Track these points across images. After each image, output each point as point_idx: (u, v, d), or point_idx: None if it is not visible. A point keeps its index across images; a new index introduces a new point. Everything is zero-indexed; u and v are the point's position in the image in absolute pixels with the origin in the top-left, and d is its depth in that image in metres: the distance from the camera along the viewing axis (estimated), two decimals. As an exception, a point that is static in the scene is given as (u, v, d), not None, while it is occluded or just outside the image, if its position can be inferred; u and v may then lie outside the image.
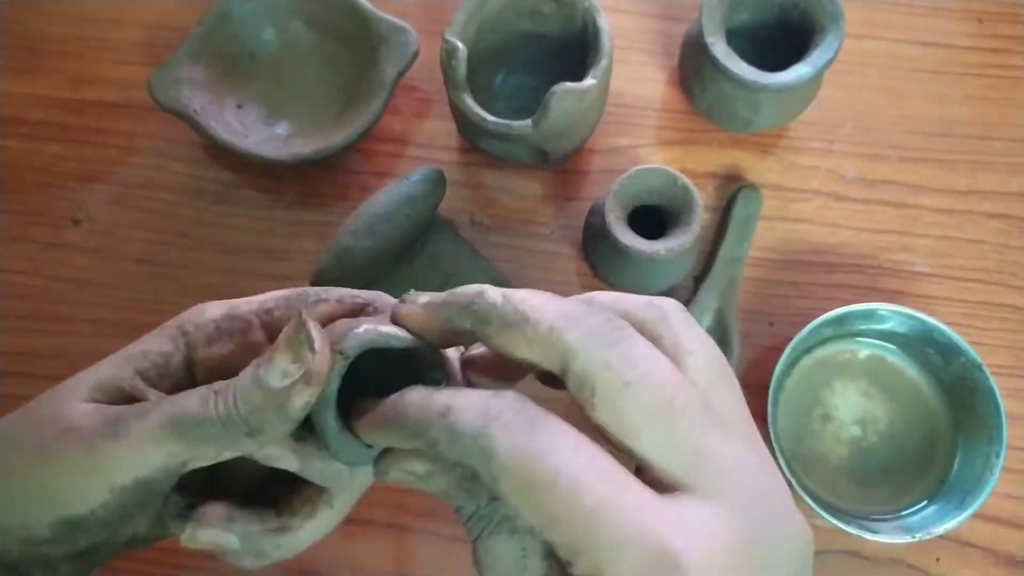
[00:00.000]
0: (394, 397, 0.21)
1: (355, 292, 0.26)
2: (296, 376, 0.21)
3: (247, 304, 0.25)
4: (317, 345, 0.21)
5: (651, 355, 0.19)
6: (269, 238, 0.49)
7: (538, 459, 0.18)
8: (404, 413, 0.21)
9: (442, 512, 0.44)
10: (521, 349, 0.20)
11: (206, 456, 0.22)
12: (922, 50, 0.52)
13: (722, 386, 0.21)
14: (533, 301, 0.20)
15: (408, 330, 0.23)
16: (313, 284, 0.42)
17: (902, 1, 0.53)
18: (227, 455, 0.22)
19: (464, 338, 0.22)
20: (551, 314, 0.20)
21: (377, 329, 0.22)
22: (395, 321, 0.23)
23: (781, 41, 0.46)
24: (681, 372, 0.20)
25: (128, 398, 0.23)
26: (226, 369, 0.24)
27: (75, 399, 0.23)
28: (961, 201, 0.49)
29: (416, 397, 0.21)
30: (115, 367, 0.24)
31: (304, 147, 0.46)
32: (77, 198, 0.50)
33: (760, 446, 0.20)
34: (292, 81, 0.50)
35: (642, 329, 0.21)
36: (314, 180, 0.50)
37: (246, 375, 0.22)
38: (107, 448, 0.22)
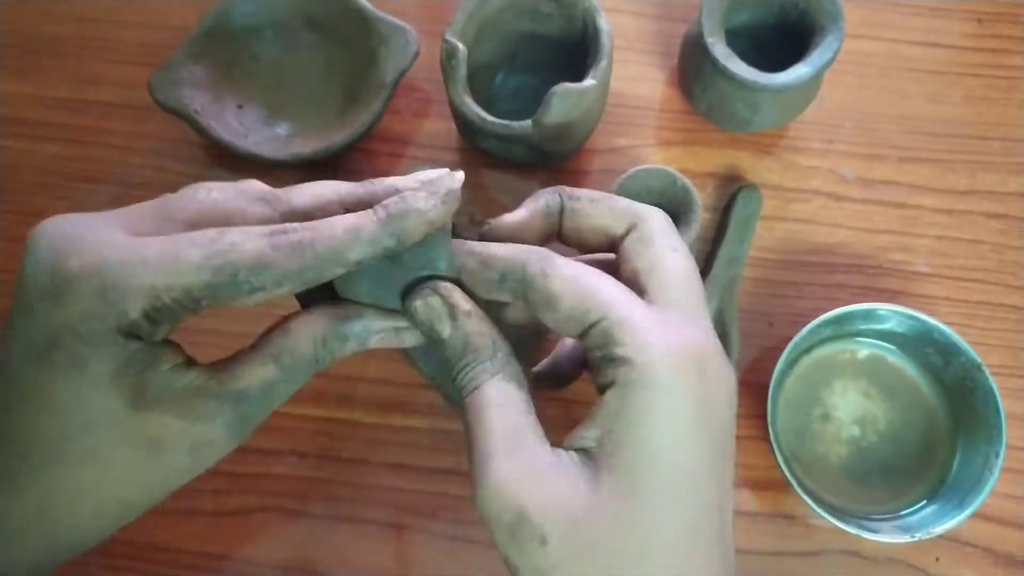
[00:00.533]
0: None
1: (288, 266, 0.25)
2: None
3: (168, 292, 0.24)
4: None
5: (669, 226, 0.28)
6: (269, 238, 0.49)
7: (584, 267, 0.26)
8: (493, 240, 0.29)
9: (442, 512, 0.45)
10: (604, 217, 0.28)
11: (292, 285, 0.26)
12: (922, 50, 0.52)
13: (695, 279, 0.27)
14: (611, 196, 0.28)
15: (501, 238, 0.29)
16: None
17: (902, 1, 0.53)
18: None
19: (550, 226, 0.29)
20: (623, 199, 0.28)
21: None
22: (487, 236, 0.31)
23: (781, 41, 0.46)
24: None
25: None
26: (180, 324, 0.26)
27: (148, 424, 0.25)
28: (961, 201, 0.49)
29: (500, 251, 0.28)
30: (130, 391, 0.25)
31: (304, 147, 0.46)
32: (77, 198, 0.50)
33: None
34: (292, 81, 0.50)
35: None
36: (314, 180, 0.50)
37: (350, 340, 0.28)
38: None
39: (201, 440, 0.26)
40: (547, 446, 0.24)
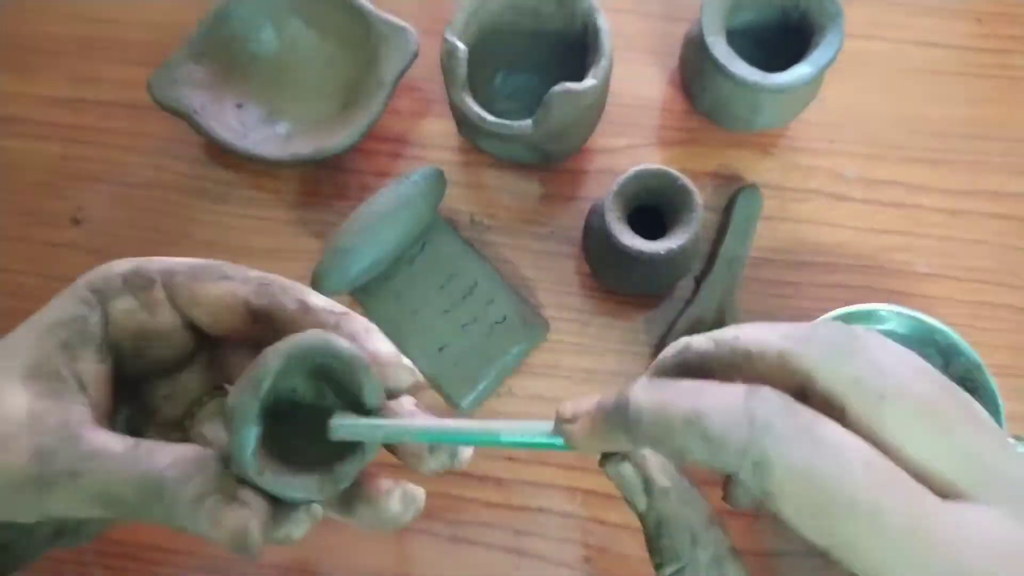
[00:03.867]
0: (605, 401, 0.19)
1: (264, 277, 0.25)
2: (226, 542, 0.21)
3: (156, 263, 0.25)
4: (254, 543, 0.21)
5: (898, 361, 0.18)
6: (269, 238, 0.49)
7: (829, 480, 0.16)
8: (638, 420, 0.18)
9: (442, 512, 0.45)
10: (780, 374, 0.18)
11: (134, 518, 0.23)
12: (923, 50, 0.52)
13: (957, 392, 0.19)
14: (748, 333, 0.19)
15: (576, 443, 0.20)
16: (313, 284, 0.43)
17: (903, 1, 0.53)
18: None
19: None
20: (774, 339, 0.19)
21: (326, 335, 0.21)
22: (565, 433, 0.20)
23: (781, 41, 0.46)
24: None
25: (61, 378, 0.23)
26: (132, 324, 0.25)
27: (11, 387, 0.22)
28: (962, 201, 0.49)
29: (643, 401, 0.18)
30: (38, 346, 0.23)
31: (304, 147, 0.46)
32: (77, 198, 0.50)
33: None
34: (292, 81, 0.50)
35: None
36: (314, 180, 0.50)
37: (187, 494, 0.21)
38: (35, 493, 0.21)
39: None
40: None
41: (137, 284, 0.25)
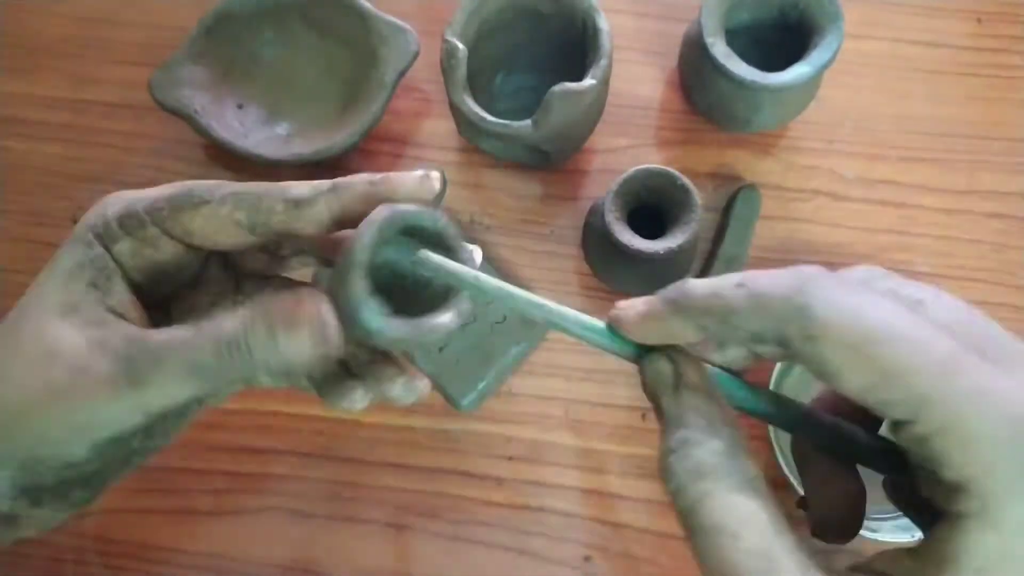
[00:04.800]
0: (660, 292, 0.21)
1: (238, 188, 0.26)
2: (310, 355, 0.23)
3: (140, 201, 0.26)
4: (334, 341, 0.22)
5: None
6: (269, 238, 0.49)
7: (868, 310, 0.17)
8: (690, 292, 0.20)
9: (442, 512, 0.45)
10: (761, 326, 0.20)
11: (229, 390, 0.27)
12: (921, 50, 0.52)
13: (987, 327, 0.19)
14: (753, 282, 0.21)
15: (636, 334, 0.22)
16: (315, 284, 0.43)
17: (902, 1, 0.53)
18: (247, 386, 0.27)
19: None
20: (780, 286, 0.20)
21: (410, 207, 0.24)
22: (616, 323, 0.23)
23: (780, 41, 0.46)
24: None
25: (97, 312, 0.25)
26: (142, 263, 0.26)
27: (55, 326, 0.24)
28: (960, 201, 0.49)
29: (696, 281, 0.20)
30: (67, 290, 0.25)
31: (304, 147, 0.46)
32: (77, 198, 0.50)
33: None
34: (292, 81, 0.50)
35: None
36: (314, 180, 0.50)
37: (259, 331, 0.23)
38: (130, 393, 0.23)
39: (85, 365, 0.23)
40: None
41: (131, 226, 0.25)
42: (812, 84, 0.46)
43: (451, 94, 0.43)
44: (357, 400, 0.28)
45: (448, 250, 0.24)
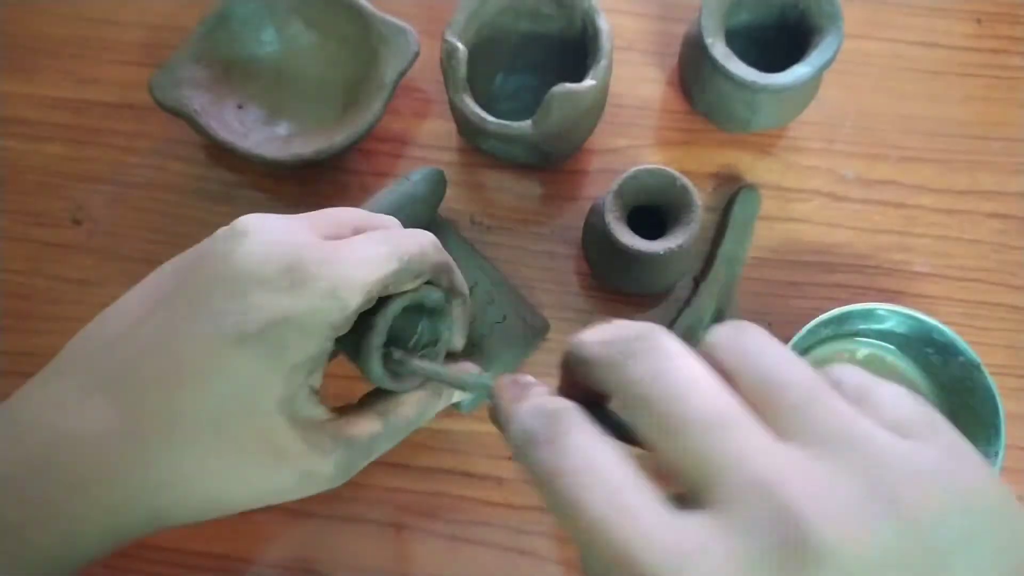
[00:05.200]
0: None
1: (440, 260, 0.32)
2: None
3: (376, 285, 0.28)
4: None
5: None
6: (269, 238, 0.49)
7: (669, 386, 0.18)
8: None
9: (442, 512, 0.45)
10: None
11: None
12: (921, 50, 0.52)
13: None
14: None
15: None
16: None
17: (901, 1, 0.53)
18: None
19: None
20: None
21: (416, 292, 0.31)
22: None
23: (780, 41, 0.46)
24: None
25: (306, 407, 0.28)
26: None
27: (275, 422, 0.26)
28: (960, 201, 0.49)
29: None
30: (287, 382, 0.27)
31: (305, 147, 0.46)
32: (77, 198, 0.50)
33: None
34: (292, 81, 0.50)
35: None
36: (314, 180, 0.50)
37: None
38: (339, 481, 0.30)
39: (312, 470, 0.27)
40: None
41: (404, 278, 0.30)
42: (812, 84, 0.46)
43: (451, 94, 0.43)
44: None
45: (440, 313, 0.33)
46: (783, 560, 0.15)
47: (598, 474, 0.17)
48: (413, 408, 0.31)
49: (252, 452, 0.26)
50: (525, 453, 0.19)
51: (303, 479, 0.27)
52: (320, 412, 0.28)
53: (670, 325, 0.46)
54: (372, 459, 0.30)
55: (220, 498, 0.27)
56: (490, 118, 0.42)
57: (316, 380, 0.28)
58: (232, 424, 0.26)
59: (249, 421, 0.26)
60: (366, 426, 0.29)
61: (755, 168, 0.50)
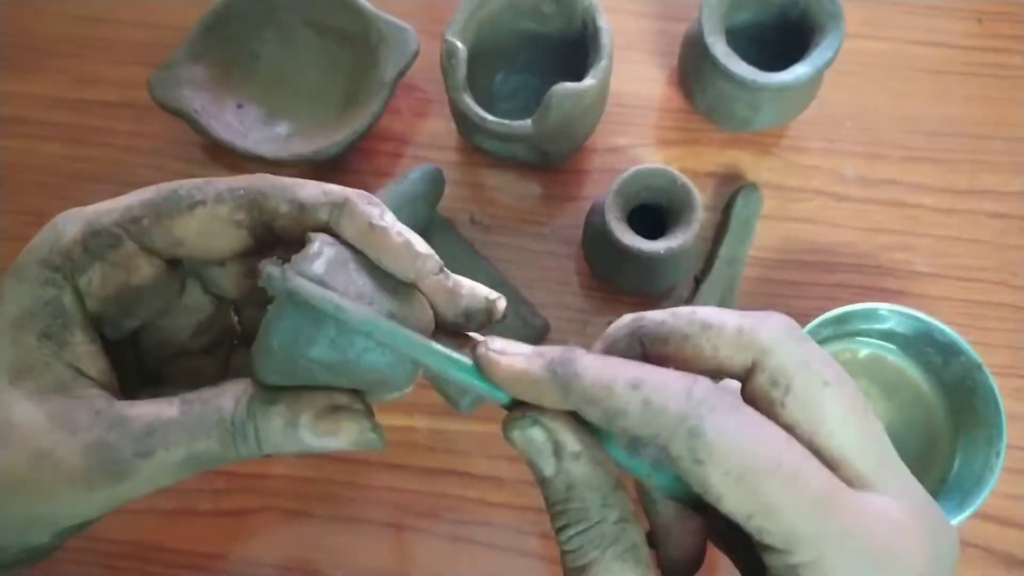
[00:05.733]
0: (548, 351, 0.20)
1: (235, 183, 0.22)
2: (336, 441, 0.21)
3: (107, 214, 0.22)
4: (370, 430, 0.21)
5: (832, 359, 0.20)
6: (269, 238, 0.49)
7: (754, 443, 0.18)
8: (579, 374, 0.19)
9: (442, 512, 0.45)
10: (704, 357, 0.20)
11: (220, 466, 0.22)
12: (922, 50, 0.52)
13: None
14: (705, 312, 0.20)
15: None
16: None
17: (902, 1, 0.53)
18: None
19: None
20: (732, 317, 0.20)
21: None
22: (487, 367, 0.20)
23: (781, 41, 0.46)
24: None
25: (54, 372, 0.21)
26: (112, 292, 0.22)
27: (7, 397, 0.20)
28: (961, 200, 0.49)
29: (589, 360, 0.19)
30: (14, 343, 0.21)
31: (304, 147, 0.46)
32: (77, 198, 0.49)
33: None
34: (292, 81, 0.50)
35: None
36: (314, 180, 0.50)
37: (277, 426, 0.21)
38: (107, 487, 0.20)
39: (48, 449, 0.20)
40: None
41: (100, 246, 0.22)
42: (813, 84, 0.46)
43: (451, 94, 0.43)
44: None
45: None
46: None
47: (802, 448, 0.18)
48: (230, 400, 0.21)
49: None
50: (697, 418, 0.18)
51: (36, 461, 0.20)
52: (83, 386, 0.21)
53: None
54: (171, 459, 0.20)
55: None
56: (490, 117, 0.42)
57: (76, 351, 0.21)
58: None
59: None
60: (150, 409, 0.21)
61: (756, 167, 0.50)
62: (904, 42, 0.52)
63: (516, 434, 0.20)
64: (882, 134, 0.51)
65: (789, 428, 0.19)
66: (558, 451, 0.20)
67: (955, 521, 0.39)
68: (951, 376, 0.43)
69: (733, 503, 0.18)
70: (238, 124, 0.48)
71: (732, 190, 0.49)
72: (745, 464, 0.18)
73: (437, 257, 0.22)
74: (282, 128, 0.49)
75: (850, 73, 0.51)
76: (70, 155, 0.51)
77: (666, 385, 0.18)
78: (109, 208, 0.22)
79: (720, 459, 0.18)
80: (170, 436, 0.20)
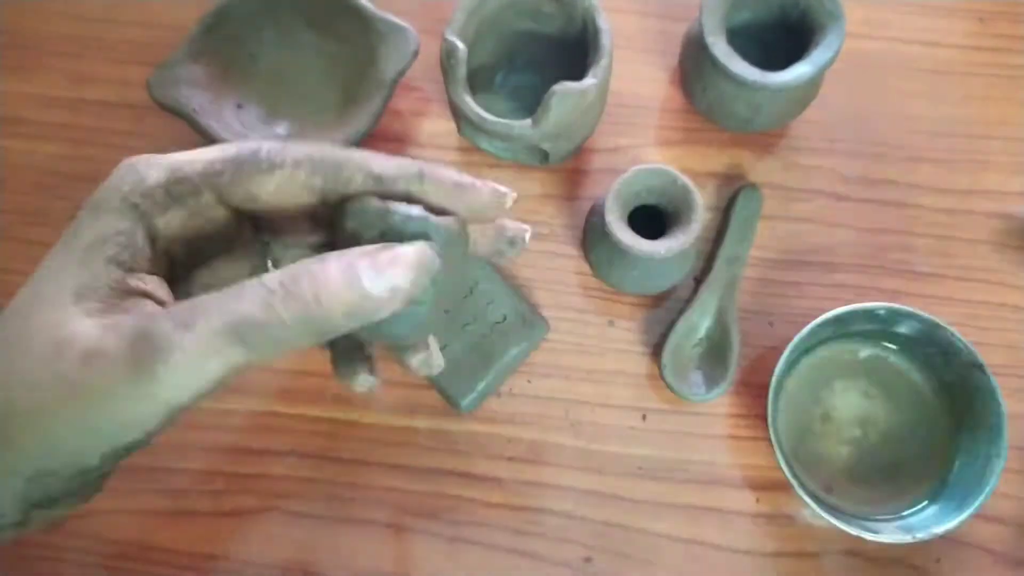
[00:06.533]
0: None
1: (313, 152, 0.24)
2: (404, 289, 0.21)
3: (190, 164, 0.23)
4: (433, 269, 0.22)
5: None
6: (269, 238, 0.49)
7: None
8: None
9: (442, 512, 0.44)
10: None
11: (271, 358, 0.21)
12: (923, 49, 0.52)
13: None
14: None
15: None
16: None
17: (903, 0, 0.53)
18: (290, 351, 0.21)
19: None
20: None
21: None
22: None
23: (782, 40, 0.46)
24: None
25: (118, 294, 0.22)
26: (186, 234, 0.24)
27: (68, 313, 0.21)
28: (962, 201, 0.49)
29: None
30: (83, 265, 0.22)
31: (304, 147, 0.46)
32: (77, 198, 0.49)
33: None
34: (292, 81, 0.50)
35: None
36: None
37: (335, 275, 0.20)
38: (153, 371, 0.20)
39: (97, 347, 0.20)
40: None
41: (183, 192, 0.23)
42: (813, 83, 0.46)
43: (451, 93, 0.43)
44: (361, 383, 0.27)
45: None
46: None
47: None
48: (292, 269, 0.21)
49: (38, 346, 0.20)
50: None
51: (86, 360, 0.20)
52: (139, 305, 0.22)
53: (671, 325, 0.46)
54: (210, 328, 0.20)
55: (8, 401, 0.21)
56: (490, 117, 0.42)
57: (142, 278, 0.22)
58: (22, 323, 0.21)
59: (39, 317, 0.21)
60: (203, 296, 0.21)
61: (756, 167, 0.50)
62: (905, 42, 0.52)
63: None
64: (882, 134, 0.51)
65: None
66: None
67: (955, 521, 0.39)
68: (952, 376, 0.43)
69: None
70: (237, 124, 0.48)
71: (733, 190, 0.48)
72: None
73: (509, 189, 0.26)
74: (281, 128, 0.49)
75: (851, 73, 0.51)
76: (68, 155, 0.51)
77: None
78: (191, 159, 0.23)
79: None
80: (211, 305, 0.20)
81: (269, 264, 0.27)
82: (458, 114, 0.44)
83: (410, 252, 0.21)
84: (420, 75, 0.50)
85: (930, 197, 0.49)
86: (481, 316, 0.45)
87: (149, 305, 0.22)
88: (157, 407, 0.20)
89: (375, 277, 0.20)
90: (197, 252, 0.25)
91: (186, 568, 0.44)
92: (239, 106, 0.49)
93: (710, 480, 0.45)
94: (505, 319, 0.45)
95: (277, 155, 0.23)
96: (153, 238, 0.23)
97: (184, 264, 0.25)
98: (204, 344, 0.20)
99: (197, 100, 0.46)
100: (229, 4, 0.48)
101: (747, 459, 0.45)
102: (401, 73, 0.47)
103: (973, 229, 0.49)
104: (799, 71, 0.43)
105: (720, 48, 0.43)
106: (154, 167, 0.23)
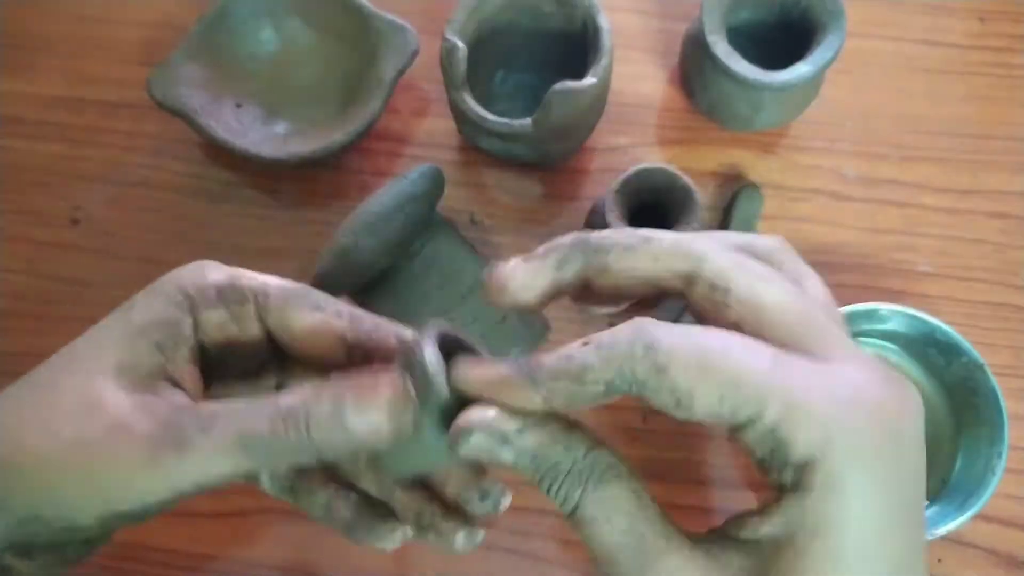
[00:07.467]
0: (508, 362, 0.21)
1: (355, 313, 0.26)
2: (383, 431, 0.22)
3: (248, 280, 0.26)
4: (410, 417, 0.22)
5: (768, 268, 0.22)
6: (268, 238, 0.49)
7: (705, 336, 0.20)
8: (540, 360, 0.21)
9: (442, 512, 0.44)
10: (645, 266, 0.22)
11: (273, 469, 0.25)
12: (924, 49, 0.52)
13: (835, 310, 0.23)
14: (644, 229, 0.22)
15: (505, 294, 0.23)
16: (316, 285, 0.42)
17: (903, 0, 0.53)
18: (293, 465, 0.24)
19: (565, 288, 0.23)
20: (670, 234, 0.22)
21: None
22: (492, 281, 0.23)
23: (782, 40, 0.46)
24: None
25: (155, 378, 0.24)
26: (220, 334, 0.26)
27: (105, 382, 0.23)
28: (963, 200, 0.49)
29: (543, 353, 0.21)
30: (130, 346, 0.23)
31: (303, 146, 0.46)
32: (76, 198, 0.50)
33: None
34: (291, 80, 0.50)
35: (763, 257, 0.23)
36: (313, 179, 0.50)
37: (324, 406, 0.22)
38: (169, 459, 0.22)
39: (125, 421, 0.22)
40: (685, 544, 0.21)
41: (232, 299, 0.25)
42: (814, 83, 0.46)
43: (451, 93, 0.43)
44: (394, 541, 0.28)
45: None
46: None
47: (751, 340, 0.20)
48: (287, 395, 0.23)
49: (67, 403, 0.23)
50: (647, 336, 0.20)
51: (112, 430, 0.22)
52: (174, 394, 0.24)
53: (671, 325, 0.46)
54: (225, 437, 0.22)
55: (26, 444, 0.22)
56: (490, 116, 0.42)
57: (179, 367, 0.24)
58: (55, 380, 0.23)
59: (75, 379, 0.23)
60: (222, 403, 0.23)
61: (757, 167, 0.50)
62: (906, 41, 0.52)
63: (464, 450, 0.21)
64: (883, 133, 0.50)
65: (736, 326, 0.21)
66: (504, 438, 0.21)
67: (957, 522, 0.39)
68: (953, 376, 0.43)
69: (702, 392, 0.19)
70: (237, 123, 0.48)
71: (733, 190, 0.48)
72: (703, 351, 0.19)
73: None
74: (281, 127, 0.49)
75: (851, 72, 0.51)
76: (68, 154, 0.51)
77: (610, 331, 0.20)
78: (251, 275, 0.26)
79: (680, 357, 0.19)
80: (229, 417, 0.22)
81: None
82: (458, 113, 0.44)
83: (386, 388, 0.22)
84: (420, 74, 0.50)
85: (931, 197, 0.49)
86: (481, 316, 0.45)
87: (179, 396, 0.24)
88: (161, 489, 0.22)
89: (357, 413, 0.22)
90: (226, 362, 0.26)
91: (186, 569, 0.44)
92: (238, 106, 0.49)
93: (710, 480, 0.45)
94: (505, 319, 0.45)
95: (323, 301, 0.26)
96: (196, 331, 0.25)
97: (213, 372, 0.26)
98: (217, 449, 0.22)
99: (197, 100, 0.46)
100: (228, 4, 0.48)
101: (747, 459, 0.45)
102: (401, 73, 0.47)
103: (974, 229, 0.49)
104: (800, 70, 0.43)
105: (721, 47, 0.43)
106: (216, 270, 0.26)
